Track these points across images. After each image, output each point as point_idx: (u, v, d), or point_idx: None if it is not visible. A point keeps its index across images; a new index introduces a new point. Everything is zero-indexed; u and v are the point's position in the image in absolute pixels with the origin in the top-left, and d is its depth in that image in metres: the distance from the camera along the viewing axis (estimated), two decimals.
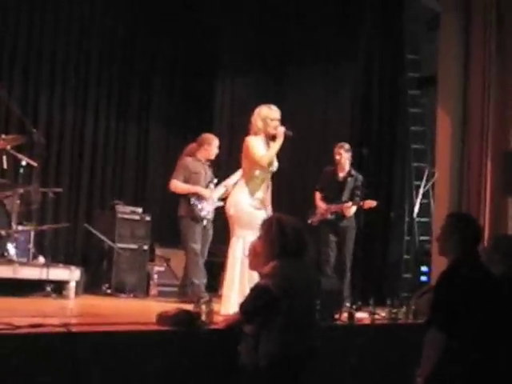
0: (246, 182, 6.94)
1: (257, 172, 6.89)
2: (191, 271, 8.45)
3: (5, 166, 8.29)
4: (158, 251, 10.33)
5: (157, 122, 12.27)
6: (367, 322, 6.96)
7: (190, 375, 4.88)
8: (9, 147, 8.32)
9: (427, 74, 11.43)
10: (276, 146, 6.87)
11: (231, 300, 6.60)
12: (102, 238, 9.46)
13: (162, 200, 11.14)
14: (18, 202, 8.31)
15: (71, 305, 7.53)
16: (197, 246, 8.50)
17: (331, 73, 11.83)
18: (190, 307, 5.44)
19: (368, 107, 11.58)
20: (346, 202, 9.09)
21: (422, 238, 11.41)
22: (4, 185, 8.43)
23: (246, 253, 5.34)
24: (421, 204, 11.30)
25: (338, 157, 9.27)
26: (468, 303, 4.23)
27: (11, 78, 10.19)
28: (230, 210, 6.93)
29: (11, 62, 10.26)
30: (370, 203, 9.02)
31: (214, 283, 9.09)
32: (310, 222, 9.14)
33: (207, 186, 8.68)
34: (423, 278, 10.80)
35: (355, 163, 9.70)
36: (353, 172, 9.30)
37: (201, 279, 8.45)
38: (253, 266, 5.04)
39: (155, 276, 9.84)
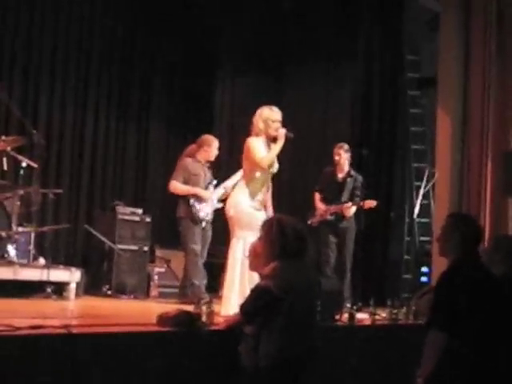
0: (246, 184, 6.94)
1: (257, 174, 6.90)
2: (191, 272, 8.46)
3: (5, 168, 8.29)
4: (159, 252, 10.33)
5: (157, 123, 12.26)
6: (368, 322, 6.96)
7: (190, 376, 4.88)
8: (9, 148, 8.31)
9: (427, 74, 11.44)
10: (277, 147, 6.87)
11: (231, 301, 6.61)
12: (103, 239, 9.45)
13: (163, 201, 11.12)
14: (19, 203, 8.31)
15: (72, 306, 7.53)
16: (197, 247, 8.50)
17: (331, 73, 11.82)
18: (190, 308, 5.44)
19: (368, 108, 11.58)
20: (346, 202, 9.09)
21: (422, 238, 11.41)
22: (4, 186, 8.43)
23: (247, 254, 5.34)
24: (421, 204, 11.30)
25: (337, 157, 9.26)
26: (468, 304, 4.23)
27: (11, 78, 10.18)
28: (230, 211, 6.94)
29: (11, 63, 10.24)
30: (370, 203, 9.03)
31: (215, 284, 9.09)
32: (309, 222, 9.13)
33: (206, 188, 8.68)
34: (423, 279, 10.81)
35: (355, 164, 9.70)
36: (352, 172, 9.30)
37: (201, 280, 8.45)
38: (253, 267, 5.05)
39: (155, 277, 9.83)
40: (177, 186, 8.63)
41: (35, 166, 8.47)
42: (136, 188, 11.89)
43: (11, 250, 8.00)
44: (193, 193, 8.57)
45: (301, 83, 11.99)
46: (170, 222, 9.12)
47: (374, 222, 10.55)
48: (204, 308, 5.33)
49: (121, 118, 11.71)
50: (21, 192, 8.34)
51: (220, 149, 9.01)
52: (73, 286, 7.99)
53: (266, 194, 7.08)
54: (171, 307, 5.85)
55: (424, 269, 10.81)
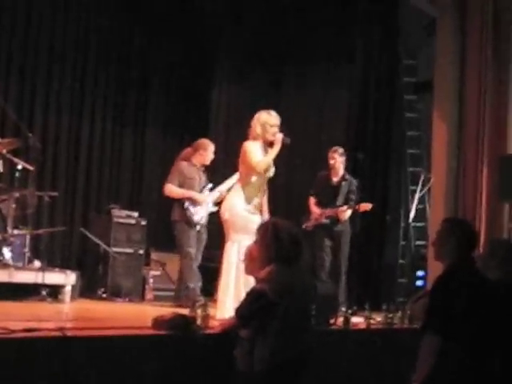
0: (242, 187, 6.95)
1: (253, 178, 6.91)
2: (186, 275, 8.46)
3: (0, 170, 8.27)
4: (154, 255, 10.32)
5: (153, 125, 12.23)
6: (363, 326, 6.96)
7: (185, 379, 4.88)
8: (4, 151, 8.30)
9: (423, 79, 11.45)
10: (273, 152, 6.89)
11: (226, 304, 6.61)
12: (98, 242, 9.45)
13: (158, 204, 11.10)
14: (14, 205, 8.29)
15: (67, 309, 7.52)
16: (192, 250, 8.50)
17: (327, 78, 11.80)
18: (185, 311, 5.44)
19: (364, 112, 11.57)
20: (341, 206, 9.08)
21: (417, 242, 11.41)
22: (0, 189, 8.41)
23: (242, 257, 5.34)
24: (416, 209, 11.29)
25: (332, 161, 9.26)
26: (464, 308, 4.23)
27: (7, 81, 10.15)
28: (225, 214, 6.94)
29: (7, 65, 10.23)
30: (366, 206, 9.02)
31: (210, 288, 9.08)
32: (304, 226, 9.12)
33: (201, 191, 8.69)
34: (419, 283, 10.81)
35: (351, 167, 9.70)
36: (347, 176, 9.29)
37: (196, 283, 8.44)
38: (249, 271, 5.04)
39: (151, 280, 9.82)
40: (172, 190, 8.64)
41: (31, 168, 8.46)
42: (132, 191, 11.87)
43: (6, 252, 7.98)
44: (188, 196, 8.57)
45: (297, 87, 11.98)
46: (165, 225, 9.11)
47: (369, 226, 10.57)
48: (199, 311, 5.33)
49: (117, 120, 11.69)
50: (16, 195, 8.33)
51: (216, 151, 9.01)
52: (68, 288, 7.98)
53: (261, 198, 7.08)
54: (166, 310, 5.84)
55: (419, 273, 10.81)
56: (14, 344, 4.11)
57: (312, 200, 9.33)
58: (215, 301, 6.89)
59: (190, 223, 8.52)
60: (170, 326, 5.00)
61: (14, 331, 4.27)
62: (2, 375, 3.92)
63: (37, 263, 8.40)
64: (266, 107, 7.17)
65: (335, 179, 9.28)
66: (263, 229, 4.88)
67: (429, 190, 10.62)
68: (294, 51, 11.91)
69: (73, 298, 8.07)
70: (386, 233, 11.49)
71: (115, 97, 11.66)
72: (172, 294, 8.94)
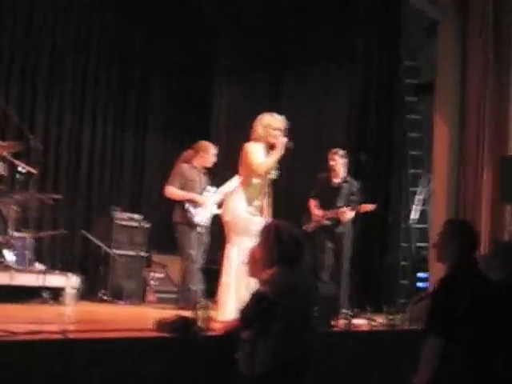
0: (243, 189, 6.95)
1: (254, 180, 6.90)
2: (188, 277, 8.45)
3: (2, 173, 8.28)
4: (155, 258, 10.31)
5: (154, 128, 12.23)
6: (364, 328, 6.96)
7: (187, 381, 4.88)
8: (6, 153, 8.31)
9: (425, 80, 11.45)
10: (275, 156, 6.88)
11: (227, 306, 6.61)
12: (100, 244, 9.45)
13: (159, 206, 11.10)
14: (16, 208, 8.31)
15: (68, 311, 7.49)
16: (193, 252, 8.49)
17: (328, 80, 11.81)
18: (187, 313, 5.44)
19: (365, 113, 11.56)
20: (342, 207, 9.04)
21: (418, 244, 11.41)
22: (1, 191, 8.41)
23: (243, 259, 5.34)
24: (418, 210, 11.29)
25: (332, 163, 9.23)
26: (466, 310, 4.22)
27: (8, 84, 10.15)
28: (226, 216, 6.94)
29: (8, 67, 10.23)
30: (367, 207, 8.97)
31: (213, 289, 9.07)
32: (304, 228, 9.09)
33: (202, 193, 8.69)
34: (420, 285, 10.81)
35: (352, 169, 9.69)
36: (348, 178, 9.26)
37: (197, 285, 8.44)
38: (252, 273, 5.04)
39: (152, 282, 9.82)
40: (173, 191, 8.64)
41: (32, 171, 8.47)
42: (133, 193, 11.87)
43: (8, 255, 7.99)
44: (188, 198, 8.57)
45: (298, 88, 11.98)
46: (167, 227, 9.11)
47: (371, 228, 10.55)
48: (201, 313, 5.33)
49: (118, 122, 11.70)
50: (18, 197, 8.34)
51: (218, 152, 9.01)
52: (69, 291, 7.97)
53: (263, 200, 7.08)
54: (168, 312, 5.85)
55: (421, 275, 10.81)
56: (15, 346, 4.12)
57: (312, 202, 9.30)
58: (216, 302, 6.89)
59: (191, 225, 8.52)
60: (172, 328, 5.00)
61: (15, 334, 4.27)
62: (4, 378, 3.92)
63: (38, 266, 8.40)
64: (267, 109, 7.18)
65: (336, 181, 9.25)
66: (266, 231, 4.88)
67: (430, 191, 10.61)
68: (294, 52, 11.91)
69: (74, 300, 8.06)
70: (388, 234, 11.47)
71: (116, 99, 11.67)
72: (174, 296, 8.94)
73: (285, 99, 11.90)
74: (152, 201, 11.57)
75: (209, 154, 8.83)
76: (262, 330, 4.55)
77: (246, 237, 6.52)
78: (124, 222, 9.79)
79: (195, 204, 8.56)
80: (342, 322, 6.70)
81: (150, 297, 9.68)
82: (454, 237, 4.50)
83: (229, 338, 4.92)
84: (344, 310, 7.15)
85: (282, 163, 7.18)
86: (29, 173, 8.47)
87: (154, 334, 5.02)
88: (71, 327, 5.59)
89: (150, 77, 12.14)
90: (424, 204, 11.43)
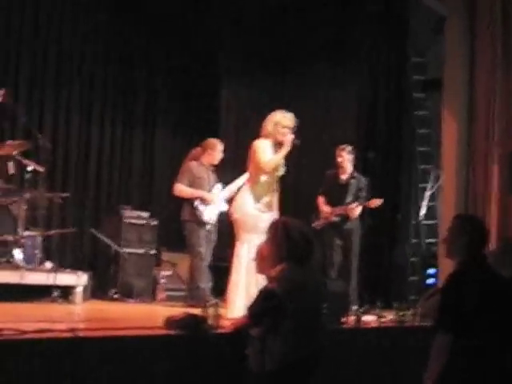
0: (251, 186, 6.96)
1: (263, 177, 6.92)
2: (196, 275, 8.46)
3: (11, 172, 8.29)
4: (165, 256, 10.32)
5: (163, 126, 12.25)
6: (374, 325, 6.95)
7: (197, 379, 4.89)
8: (15, 153, 8.33)
9: (432, 76, 11.42)
10: (282, 153, 6.91)
11: (236, 304, 6.62)
12: (109, 242, 9.47)
13: (169, 204, 11.11)
14: (25, 207, 8.33)
15: (78, 310, 7.53)
16: (202, 250, 8.50)
17: (336, 76, 11.80)
18: (196, 311, 5.45)
19: (373, 110, 11.56)
20: (350, 203, 9.04)
21: (428, 240, 11.39)
22: (10, 190, 8.44)
23: (252, 256, 5.34)
24: (427, 206, 11.28)
25: (339, 159, 9.22)
26: (476, 305, 4.21)
27: (16, 83, 10.17)
28: (235, 213, 6.95)
29: (16, 68, 10.25)
30: (375, 202, 8.96)
31: (222, 287, 9.09)
32: (313, 225, 9.09)
33: (210, 191, 8.69)
34: (430, 281, 10.79)
35: (361, 166, 9.67)
36: (355, 174, 9.25)
37: (206, 283, 8.45)
38: (260, 270, 5.04)
39: (162, 280, 9.82)
40: (181, 189, 8.65)
41: (41, 169, 8.49)
42: (142, 191, 11.87)
43: (18, 254, 8.01)
44: (197, 196, 8.58)
45: (306, 86, 11.96)
46: (176, 225, 9.11)
47: (380, 224, 10.56)
48: (210, 311, 5.33)
49: (126, 121, 11.71)
50: (27, 196, 8.36)
51: (225, 151, 9.01)
52: (79, 289, 8.01)
53: (271, 197, 7.08)
54: (178, 310, 5.85)
55: (430, 271, 10.79)
56: (25, 345, 4.13)
57: (321, 199, 9.29)
58: (225, 300, 6.89)
59: (200, 222, 8.52)
60: (182, 325, 5.01)
61: (25, 332, 4.28)
62: (14, 376, 3.93)
63: (48, 264, 8.43)
64: (276, 107, 7.18)
65: (344, 177, 9.24)
66: (273, 228, 4.87)
67: (439, 187, 10.60)
68: (302, 51, 11.89)
69: (84, 298, 8.09)
70: (397, 231, 11.47)
71: (124, 97, 11.68)
72: (183, 293, 8.95)
73: (293, 99, 11.84)
74: (161, 199, 11.58)
75: (216, 151, 8.84)
76: (271, 327, 4.54)
77: (255, 234, 6.53)
78: (133, 221, 9.80)
79: (204, 201, 8.57)
80: (351, 319, 6.69)
81: (160, 295, 9.69)
82: (464, 232, 4.48)
83: (238, 335, 4.92)
84: (354, 307, 7.14)
85: (290, 160, 7.19)
86: (38, 172, 8.48)
87: (164, 331, 5.03)
88: (81, 325, 5.63)
89: (158, 77, 12.15)
90: (433, 200, 11.40)
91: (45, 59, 10.60)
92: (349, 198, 9.09)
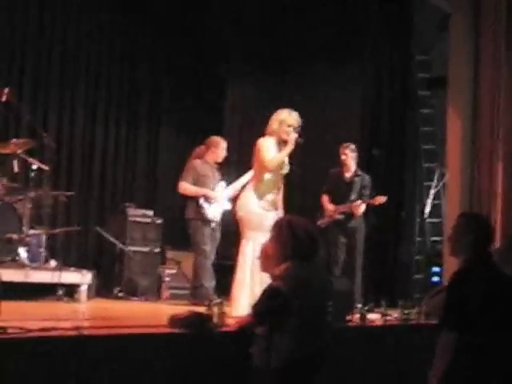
0: (255, 184, 6.97)
1: (267, 175, 6.93)
2: (201, 273, 8.46)
3: (16, 170, 8.30)
4: (170, 254, 10.34)
5: (167, 124, 12.27)
6: (379, 323, 6.95)
7: (201, 377, 4.89)
8: (19, 151, 8.34)
9: (437, 74, 11.41)
10: (285, 151, 6.93)
11: (241, 302, 6.63)
12: (114, 241, 9.48)
13: (173, 203, 11.11)
14: (29, 205, 8.34)
15: (83, 308, 7.54)
16: (207, 248, 8.51)
17: (341, 75, 11.77)
18: (201, 309, 5.45)
19: (378, 108, 11.55)
20: (355, 201, 9.04)
21: (433, 238, 11.38)
22: (15, 189, 8.45)
23: (257, 255, 5.34)
24: (432, 204, 11.27)
25: (343, 157, 9.22)
26: (480, 303, 4.21)
27: (21, 82, 10.19)
28: (240, 212, 6.96)
29: (21, 68, 10.27)
30: (380, 199, 8.96)
31: (226, 285, 9.09)
32: (318, 223, 9.09)
33: (214, 189, 8.69)
34: (435, 279, 10.79)
35: (366, 164, 9.66)
36: (359, 172, 9.26)
37: (209, 282, 8.45)
38: (264, 268, 5.03)
39: (167, 279, 9.83)
40: (186, 187, 8.65)
41: (46, 168, 8.50)
42: (147, 190, 11.89)
43: (22, 252, 8.01)
44: (202, 194, 8.58)
45: (310, 85, 11.95)
46: (180, 223, 9.12)
47: (384, 222, 10.56)
48: (215, 309, 5.33)
49: (131, 120, 11.73)
50: (32, 194, 8.37)
51: (230, 150, 9.02)
52: (84, 288, 8.01)
53: (276, 195, 7.09)
54: (182, 309, 5.85)
55: (435, 269, 10.79)
56: (30, 343, 4.13)
57: (325, 197, 9.30)
58: (229, 299, 6.89)
59: (205, 221, 8.53)
60: (186, 324, 5.01)
61: (30, 331, 4.28)
62: (18, 374, 3.93)
63: (53, 263, 8.43)
64: (280, 107, 7.19)
65: (348, 175, 9.25)
66: (278, 226, 4.87)
67: (444, 185, 10.59)
68: (306, 50, 11.88)
69: (89, 297, 8.10)
70: (402, 229, 11.47)
71: (129, 97, 11.70)
72: (188, 292, 8.95)
73: (296, 99, 11.82)
74: (165, 198, 11.59)
75: (219, 148, 8.84)
76: (277, 325, 4.54)
77: (260, 232, 6.54)
78: (138, 219, 9.81)
79: (208, 199, 8.57)
80: (356, 317, 6.69)
81: (165, 293, 9.69)
82: (470, 230, 4.47)
83: (243, 334, 4.92)
84: (358, 305, 7.14)
85: (295, 159, 7.20)
86: (42, 170, 8.49)
87: (169, 330, 5.03)
88: (86, 324, 5.63)
89: (162, 76, 12.16)
90: (438, 198, 11.40)
91: (49, 59, 10.61)
92: (353, 196, 9.09)
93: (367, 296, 8.58)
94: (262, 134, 7.05)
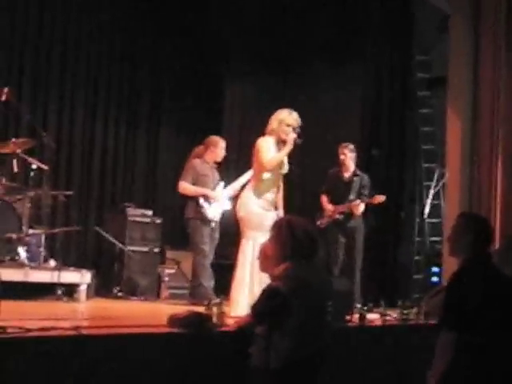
0: (255, 184, 6.97)
1: (266, 174, 6.92)
2: (200, 273, 8.46)
3: (15, 170, 8.30)
4: (169, 254, 10.34)
5: (167, 124, 12.27)
6: (378, 323, 6.96)
7: (201, 377, 4.89)
8: (19, 151, 8.34)
9: (437, 74, 11.41)
10: (284, 151, 6.94)
11: (240, 302, 6.62)
12: (113, 240, 9.48)
13: (173, 202, 11.12)
14: (29, 205, 8.34)
15: (82, 308, 7.54)
16: (206, 248, 8.51)
17: (341, 75, 11.77)
18: (200, 309, 5.45)
19: (378, 109, 11.55)
20: (354, 200, 9.04)
21: (432, 238, 11.38)
22: (15, 188, 8.45)
23: (257, 254, 5.34)
24: (431, 205, 11.27)
25: (342, 157, 9.23)
26: (479, 304, 4.21)
27: (20, 82, 10.19)
28: (240, 211, 6.96)
29: (20, 67, 10.27)
30: (379, 198, 8.96)
31: (226, 285, 9.09)
32: (318, 223, 9.10)
33: (214, 188, 8.69)
34: (434, 279, 10.78)
35: (365, 164, 9.65)
36: (358, 172, 9.27)
37: (208, 281, 8.45)
38: (263, 268, 5.04)
39: (166, 278, 9.84)
40: (185, 187, 8.65)
41: (45, 168, 8.50)
42: (146, 190, 11.90)
43: (22, 252, 8.02)
44: (201, 193, 8.58)
45: (310, 85, 11.95)
46: (180, 223, 9.13)
47: (384, 223, 10.56)
48: (215, 309, 5.34)
49: (130, 119, 11.73)
50: (31, 194, 8.38)
51: (229, 151, 9.02)
52: (83, 287, 8.01)
53: (276, 195, 7.09)
54: (182, 308, 5.86)
55: (434, 269, 10.78)
56: (29, 343, 4.13)
57: (324, 197, 9.30)
58: (228, 298, 6.89)
59: (205, 220, 8.53)
60: (185, 323, 5.01)
61: (29, 330, 4.28)
62: (18, 374, 3.93)
63: (52, 262, 8.44)
64: (279, 107, 7.19)
65: (346, 175, 9.25)
66: (278, 226, 4.87)
67: (443, 185, 10.59)
68: (305, 50, 11.89)
69: (88, 296, 8.10)
70: (401, 229, 11.46)
71: (129, 97, 11.70)
72: (187, 292, 8.95)
73: (298, 97, 11.85)
74: (165, 198, 11.60)
75: (218, 147, 8.84)
76: (276, 325, 4.54)
77: (260, 232, 6.54)
78: (137, 219, 9.81)
79: (208, 199, 8.57)
80: (355, 317, 6.69)
81: (164, 293, 9.70)
82: (469, 230, 4.48)
83: (242, 333, 4.93)
84: (358, 305, 7.14)
85: (294, 159, 7.21)
86: (42, 170, 8.49)
87: (169, 330, 5.03)
88: (85, 323, 5.64)
89: (162, 76, 12.17)
90: (437, 198, 11.39)
91: (49, 59, 10.62)
92: (352, 196, 9.09)
93: (366, 296, 8.56)
94: (262, 134, 7.05)
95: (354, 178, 9.19)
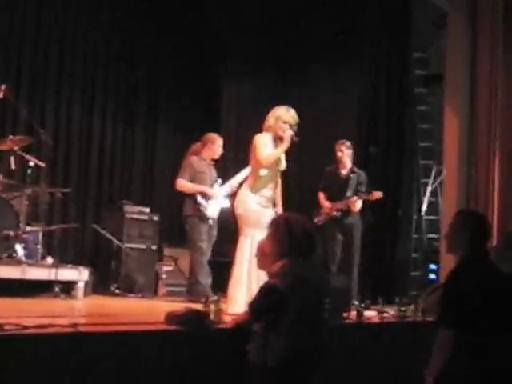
0: (252, 181, 6.97)
1: (263, 171, 6.92)
2: (197, 270, 8.46)
3: (13, 167, 8.31)
4: (166, 251, 10.35)
5: (164, 122, 12.27)
6: (376, 320, 6.96)
7: (198, 375, 4.88)
8: (16, 148, 8.34)
9: (434, 71, 11.40)
10: (281, 148, 6.93)
11: (238, 299, 6.62)
12: (111, 238, 9.48)
13: (170, 200, 11.12)
14: (26, 202, 8.34)
15: (80, 305, 7.54)
16: (203, 245, 8.51)
17: (338, 72, 11.78)
18: (198, 306, 5.45)
19: (375, 106, 11.54)
20: (351, 197, 9.05)
21: (430, 235, 11.38)
22: (12, 185, 8.45)
23: (255, 252, 5.34)
24: (429, 202, 11.27)
25: (339, 154, 9.25)
26: (477, 301, 4.21)
27: (18, 80, 10.19)
28: (238, 209, 6.95)
29: (18, 65, 10.27)
30: (377, 194, 8.97)
31: (223, 282, 9.08)
32: (315, 221, 9.10)
33: (212, 186, 8.69)
34: (431, 276, 10.79)
35: (363, 161, 9.65)
36: (355, 169, 9.28)
37: (205, 279, 8.45)
38: (261, 265, 5.04)
39: (163, 276, 9.85)
40: (183, 184, 8.65)
41: (43, 165, 8.49)
42: (144, 188, 11.91)
43: (19, 249, 8.02)
44: (199, 191, 8.58)
45: (307, 83, 11.96)
46: (177, 220, 9.13)
47: (381, 220, 10.56)
48: (212, 306, 5.33)
49: (128, 117, 11.74)
50: (28, 191, 8.38)
51: (227, 149, 9.01)
52: (81, 284, 8.01)
53: (274, 192, 7.09)
54: (179, 306, 5.86)
55: (432, 266, 10.78)
56: (27, 340, 4.13)
57: (321, 195, 9.31)
58: (226, 296, 6.89)
59: (203, 218, 8.53)
60: (183, 321, 5.01)
61: (27, 327, 4.28)
62: (15, 371, 3.93)
63: (49, 260, 8.44)
64: (277, 105, 7.19)
65: (343, 172, 9.27)
66: (275, 224, 4.87)
67: (441, 182, 10.59)
68: (303, 49, 11.90)
69: (86, 294, 8.10)
70: (399, 226, 11.46)
71: (126, 94, 11.71)
72: (184, 289, 8.95)
73: (294, 97, 11.79)
74: (162, 195, 11.60)
75: (216, 144, 8.84)
76: (273, 322, 4.54)
77: (258, 229, 6.54)
78: (135, 216, 9.82)
79: (206, 197, 8.57)
80: (353, 314, 6.70)
81: (162, 290, 9.71)
82: (466, 227, 4.48)
83: (239, 331, 4.93)
84: (355, 302, 7.14)
85: (292, 156, 7.21)
86: (39, 167, 8.49)
87: (166, 327, 5.03)
88: (82, 321, 5.64)
89: (160, 75, 12.18)
90: (435, 195, 11.39)
91: (46, 57, 10.62)
92: (349, 193, 9.11)
93: (364, 293, 8.57)
94: (259, 131, 7.05)
95: (351, 175, 9.20)
